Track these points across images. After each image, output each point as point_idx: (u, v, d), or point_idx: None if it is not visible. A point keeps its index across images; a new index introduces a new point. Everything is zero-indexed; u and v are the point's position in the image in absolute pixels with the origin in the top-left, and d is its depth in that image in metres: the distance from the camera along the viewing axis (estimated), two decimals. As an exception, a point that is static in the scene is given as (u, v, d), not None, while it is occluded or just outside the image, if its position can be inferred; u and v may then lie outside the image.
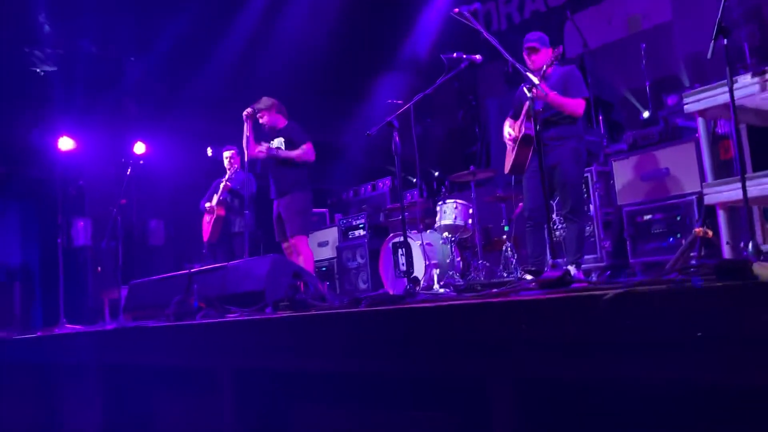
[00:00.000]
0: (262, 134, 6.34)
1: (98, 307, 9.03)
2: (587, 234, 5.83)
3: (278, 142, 6.15)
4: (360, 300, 3.11)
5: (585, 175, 5.89)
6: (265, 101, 6.24)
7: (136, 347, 4.12)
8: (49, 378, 5.19)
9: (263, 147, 6.06)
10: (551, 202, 5.18)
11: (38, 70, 9.45)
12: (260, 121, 6.20)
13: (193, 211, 7.61)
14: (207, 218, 7.16)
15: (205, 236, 7.16)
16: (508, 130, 5.00)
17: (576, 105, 4.71)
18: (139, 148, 8.89)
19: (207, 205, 7.16)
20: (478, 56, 4.54)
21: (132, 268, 8.39)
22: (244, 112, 6.05)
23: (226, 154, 7.31)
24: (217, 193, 7.10)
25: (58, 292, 7.13)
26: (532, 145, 4.65)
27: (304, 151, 6.05)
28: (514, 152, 4.79)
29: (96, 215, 9.36)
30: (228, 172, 7.16)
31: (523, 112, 4.73)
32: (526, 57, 4.84)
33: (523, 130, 4.71)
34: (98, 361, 4.50)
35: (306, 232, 6.11)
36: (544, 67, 4.64)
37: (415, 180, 6.95)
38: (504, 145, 5.07)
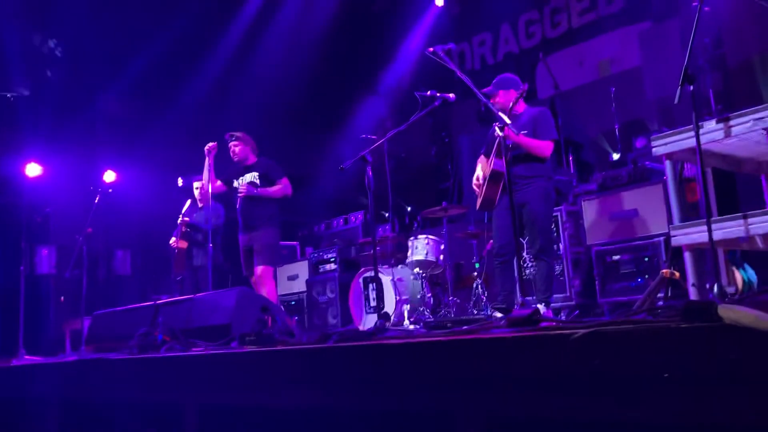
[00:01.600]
0: (232, 169, 6.31)
1: (59, 338, 8.78)
2: (557, 273, 5.87)
3: (251, 177, 6.14)
4: (329, 336, 3.07)
5: (555, 214, 5.96)
6: (242, 134, 6.25)
7: (97, 380, 4.02)
8: (4, 411, 5.02)
9: (243, 187, 6.04)
10: (521, 239, 5.22)
11: (8, 95, 9.34)
12: (234, 149, 6.18)
13: (162, 241, 7.52)
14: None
15: (174, 268, 7.14)
16: (478, 173, 5.05)
17: (543, 147, 4.78)
18: (109, 176, 8.79)
19: (171, 240, 7.15)
20: (451, 95, 4.61)
21: (96, 299, 8.21)
22: (206, 146, 6.05)
23: (197, 184, 7.29)
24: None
25: (18, 321, 6.93)
26: (501, 181, 4.71)
27: (282, 186, 6.08)
28: (484, 188, 4.84)
29: (61, 243, 9.16)
30: (189, 203, 7.15)
31: (494, 149, 4.80)
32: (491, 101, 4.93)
33: (492, 167, 4.77)
34: (58, 394, 4.38)
35: (274, 264, 6.06)
36: (511, 104, 4.74)
37: (387, 215, 6.96)
38: (477, 181, 5.12)
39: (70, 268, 7.33)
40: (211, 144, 6.05)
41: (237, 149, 6.18)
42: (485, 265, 6.39)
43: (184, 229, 7.00)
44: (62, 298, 9.04)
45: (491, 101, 4.90)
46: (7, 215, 9.27)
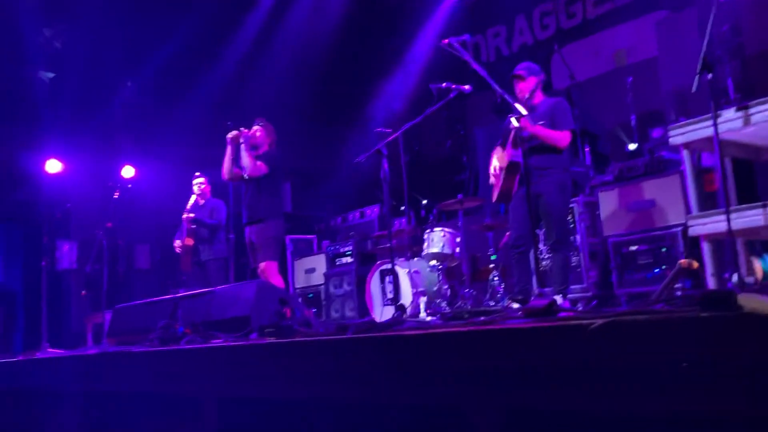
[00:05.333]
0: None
1: (81, 332, 8.92)
2: (574, 264, 5.85)
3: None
4: (347, 327, 3.10)
5: (571, 205, 5.94)
6: (271, 126, 6.23)
7: (119, 373, 4.08)
8: (29, 403, 5.11)
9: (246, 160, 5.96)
10: (538, 231, 5.20)
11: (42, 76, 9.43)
12: (255, 133, 6.10)
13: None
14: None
15: (181, 266, 7.22)
16: (495, 163, 5.04)
17: (560, 137, 4.75)
18: (128, 171, 8.90)
19: (176, 244, 7.20)
20: (467, 86, 4.61)
21: (117, 293, 8.32)
22: (229, 135, 6.02)
23: (196, 181, 7.37)
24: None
25: (41, 315, 7.04)
26: (517, 172, 4.69)
27: (255, 164, 5.94)
28: (501, 180, 4.83)
29: (82, 238, 9.29)
30: (193, 199, 7.23)
31: (509, 140, 4.78)
32: (514, 86, 4.90)
33: (508, 158, 4.75)
34: (80, 387, 4.44)
35: (277, 259, 6.03)
36: (528, 94, 4.70)
37: (403, 208, 6.97)
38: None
39: (90, 262, 7.42)
40: (234, 132, 6.02)
41: (258, 134, 6.14)
42: (502, 257, 6.39)
43: (189, 226, 7.06)
44: (83, 292, 9.15)
45: (519, 85, 4.88)
46: (28, 211, 9.42)
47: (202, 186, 7.37)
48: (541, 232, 5.27)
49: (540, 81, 4.75)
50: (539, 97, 4.92)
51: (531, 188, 4.56)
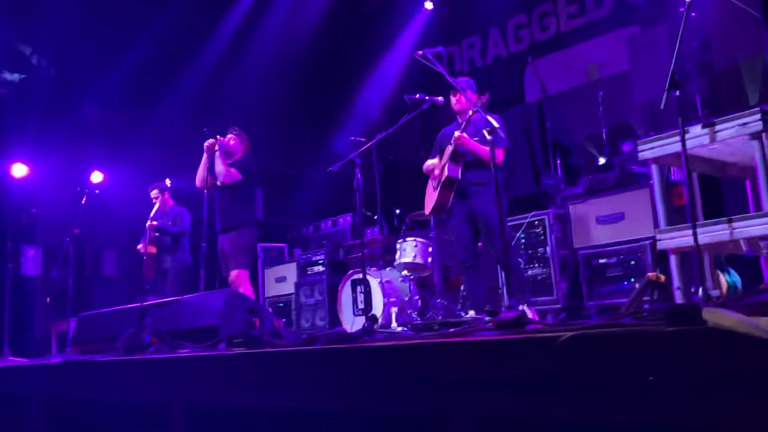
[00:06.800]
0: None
1: (45, 339, 8.73)
2: (543, 276, 5.90)
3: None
4: (316, 338, 3.07)
5: (542, 217, 6.02)
6: (245, 135, 6.20)
7: (84, 381, 4.00)
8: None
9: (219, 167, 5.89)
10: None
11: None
12: (229, 141, 6.06)
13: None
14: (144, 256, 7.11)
15: (144, 273, 7.11)
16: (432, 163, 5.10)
17: (495, 154, 4.82)
18: (96, 177, 8.76)
19: (139, 247, 7.10)
20: (440, 98, 4.65)
21: (83, 300, 8.17)
22: (206, 143, 5.96)
23: (152, 194, 7.31)
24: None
25: (3, 322, 6.88)
26: (453, 187, 4.79)
27: (228, 171, 5.89)
28: (437, 193, 4.89)
29: (47, 244, 9.11)
30: (157, 207, 7.16)
31: (447, 154, 4.84)
32: (450, 97, 4.96)
33: (446, 173, 4.80)
34: (43, 396, 4.35)
35: (248, 267, 5.97)
36: (470, 112, 4.73)
37: (375, 217, 6.95)
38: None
39: (56, 268, 7.28)
40: (211, 140, 5.95)
41: (232, 142, 6.10)
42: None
43: (152, 233, 6.97)
44: (48, 299, 8.98)
45: (454, 97, 4.93)
46: (-8, 216, 9.20)
47: (156, 199, 7.29)
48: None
49: (483, 102, 4.82)
50: (476, 113, 4.98)
51: (467, 203, 4.78)
